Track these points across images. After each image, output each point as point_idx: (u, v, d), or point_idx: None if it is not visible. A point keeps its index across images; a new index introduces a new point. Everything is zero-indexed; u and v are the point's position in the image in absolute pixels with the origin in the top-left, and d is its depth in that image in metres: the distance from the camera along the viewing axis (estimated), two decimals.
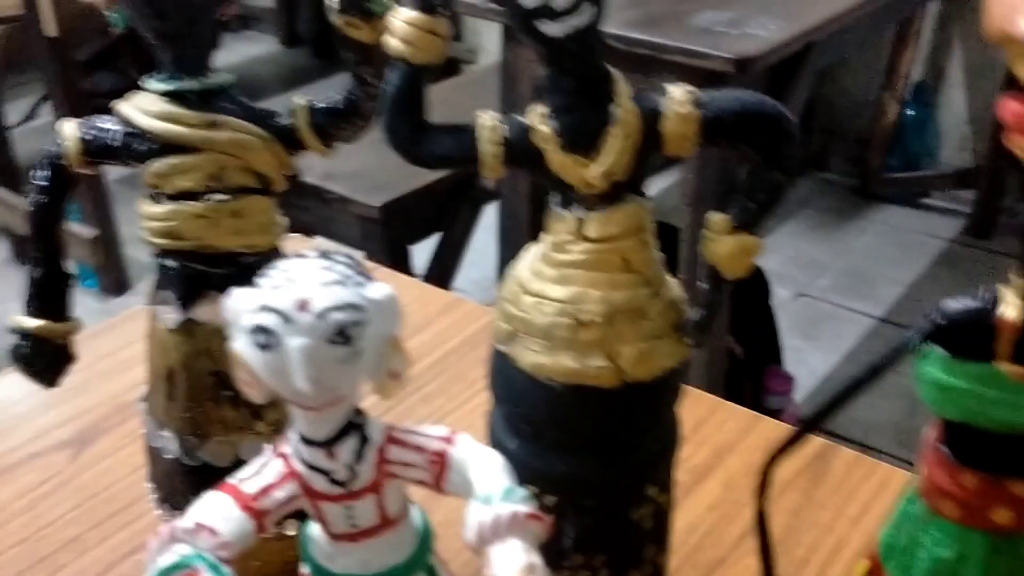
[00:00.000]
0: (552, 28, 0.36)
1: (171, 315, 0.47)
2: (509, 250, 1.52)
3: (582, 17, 0.36)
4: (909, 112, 2.55)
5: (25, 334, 0.49)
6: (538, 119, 0.38)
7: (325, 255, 0.31)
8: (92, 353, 0.70)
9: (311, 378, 0.30)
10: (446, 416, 0.65)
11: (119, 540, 0.55)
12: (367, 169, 1.69)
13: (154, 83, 0.46)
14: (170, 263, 0.47)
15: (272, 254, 0.48)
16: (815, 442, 0.62)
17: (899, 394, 1.98)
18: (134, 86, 0.47)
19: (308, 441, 0.32)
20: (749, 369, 1.63)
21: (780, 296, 2.20)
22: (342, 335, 0.30)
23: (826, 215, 2.57)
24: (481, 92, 2.04)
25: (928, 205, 2.62)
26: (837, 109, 2.66)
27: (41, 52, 1.95)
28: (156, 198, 0.46)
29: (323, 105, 0.47)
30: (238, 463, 0.49)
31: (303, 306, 0.29)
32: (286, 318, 0.29)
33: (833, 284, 2.31)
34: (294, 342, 0.29)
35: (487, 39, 2.75)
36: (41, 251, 0.48)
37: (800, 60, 1.30)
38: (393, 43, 0.39)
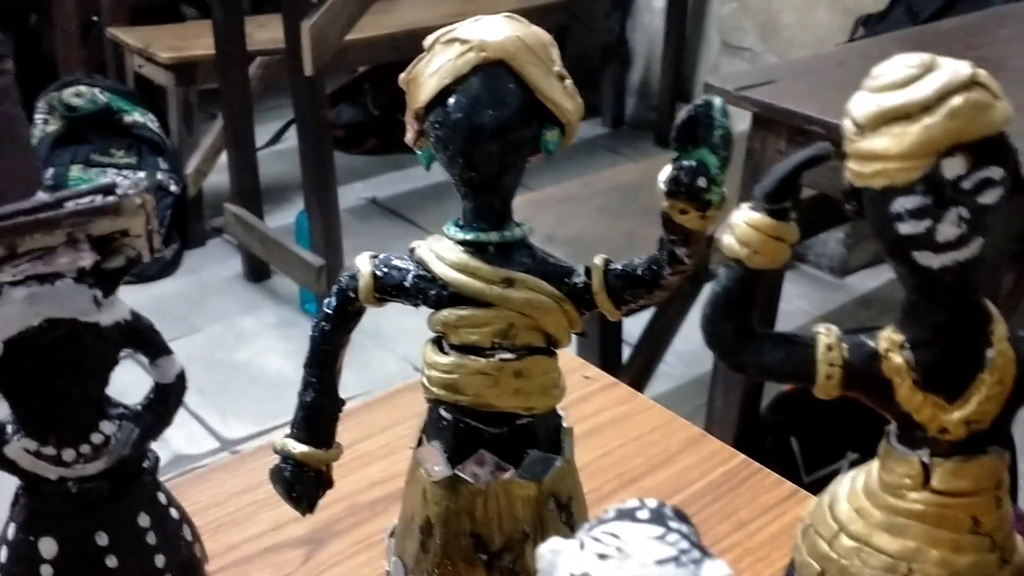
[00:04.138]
0: (931, 259, 0.31)
1: (437, 467, 0.45)
2: None
3: (968, 250, 0.31)
4: None
5: (288, 457, 0.48)
6: (891, 347, 0.34)
7: (658, 516, 0.27)
8: None
9: None
10: None
11: None
12: (588, 235, 1.68)
13: (454, 231, 0.44)
14: (444, 414, 0.45)
15: (549, 416, 0.46)
16: None
17: None
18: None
19: None
20: None
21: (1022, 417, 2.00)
22: None
23: None
24: None
25: None
26: None
27: (296, 86, 2.06)
28: (440, 346, 0.45)
29: (620, 269, 0.44)
30: None
31: None
32: None
33: None
34: None
35: None
36: (316, 376, 0.47)
37: None
38: (731, 242, 0.35)
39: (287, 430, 0.49)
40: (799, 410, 1.51)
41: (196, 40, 2.32)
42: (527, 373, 0.44)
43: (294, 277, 2.18)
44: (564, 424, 0.47)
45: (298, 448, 0.48)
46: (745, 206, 0.35)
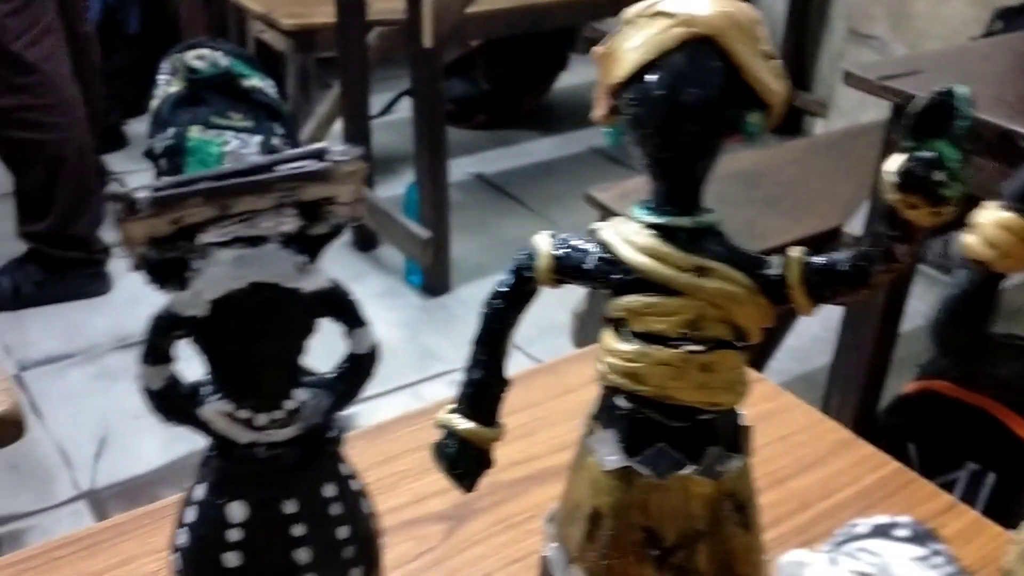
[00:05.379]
0: None
1: (611, 457, 0.44)
2: (853, 335, 1.41)
3: None
4: None
5: (452, 433, 0.47)
6: None
7: (918, 535, 0.25)
8: None
9: None
10: None
11: None
12: None
13: (643, 214, 0.42)
14: (622, 403, 0.43)
15: (730, 413, 0.44)
16: None
17: None
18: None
19: None
20: None
21: None
22: None
23: None
24: (837, 158, 1.92)
25: None
26: None
27: (414, 58, 2.06)
28: (622, 332, 0.43)
29: (822, 262, 0.41)
30: None
31: None
32: None
33: None
34: None
35: (842, 95, 2.60)
36: (486, 355, 0.46)
37: None
38: (974, 242, 0.32)
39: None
40: (919, 415, 1.45)
41: (317, 8, 2.34)
42: (714, 367, 0.42)
43: (401, 248, 2.19)
44: (743, 423, 0.45)
45: (464, 424, 0.47)
46: (993, 205, 0.32)
